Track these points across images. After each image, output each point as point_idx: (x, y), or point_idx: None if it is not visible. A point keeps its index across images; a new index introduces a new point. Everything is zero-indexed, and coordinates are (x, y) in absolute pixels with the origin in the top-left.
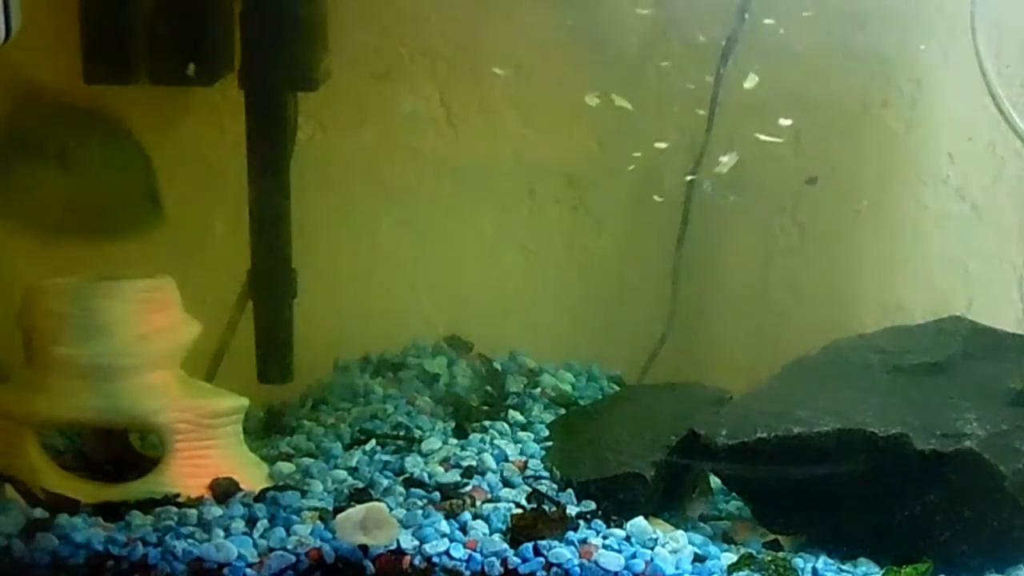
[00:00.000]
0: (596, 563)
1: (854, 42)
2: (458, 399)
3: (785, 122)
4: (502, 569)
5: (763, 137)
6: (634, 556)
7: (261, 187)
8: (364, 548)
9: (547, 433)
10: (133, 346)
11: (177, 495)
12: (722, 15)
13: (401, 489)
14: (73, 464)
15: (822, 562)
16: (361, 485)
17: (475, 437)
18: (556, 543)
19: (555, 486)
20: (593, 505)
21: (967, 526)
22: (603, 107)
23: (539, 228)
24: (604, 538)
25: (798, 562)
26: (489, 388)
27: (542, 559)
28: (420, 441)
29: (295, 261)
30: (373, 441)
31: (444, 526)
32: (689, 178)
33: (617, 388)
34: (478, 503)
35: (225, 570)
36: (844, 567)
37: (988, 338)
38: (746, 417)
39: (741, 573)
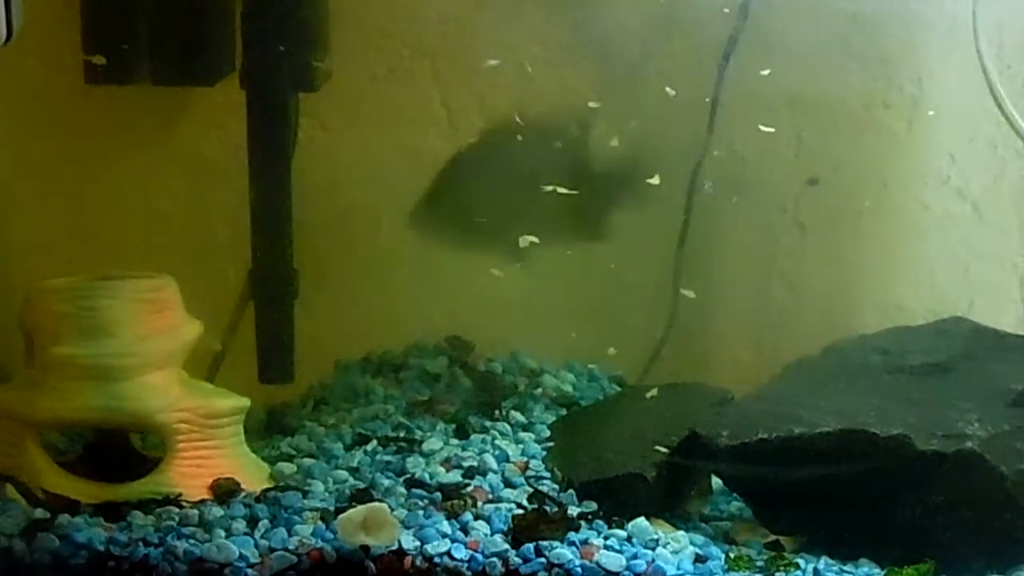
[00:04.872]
0: (597, 563)
1: (855, 42)
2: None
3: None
4: (503, 569)
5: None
6: (635, 556)
7: (262, 187)
8: (365, 549)
9: (548, 433)
10: (134, 346)
11: (178, 495)
12: (722, 15)
13: (402, 489)
14: (74, 464)
15: (823, 562)
16: (362, 485)
17: (476, 438)
18: (557, 543)
19: (556, 486)
20: (594, 505)
21: (968, 527)
22: (603, 107)
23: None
24: (605, 538)
25: (799, 562)
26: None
27: (543, 559)
28: (421, 442)
29: (295, 261)
30: (374, 441)
31: (445, 526)
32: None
33: (618, 388)
34: (479, 503)
35: (226, 570)
36: (845, 567)
37: (989, 338)
38: (747, 418)
39: (739, 573)
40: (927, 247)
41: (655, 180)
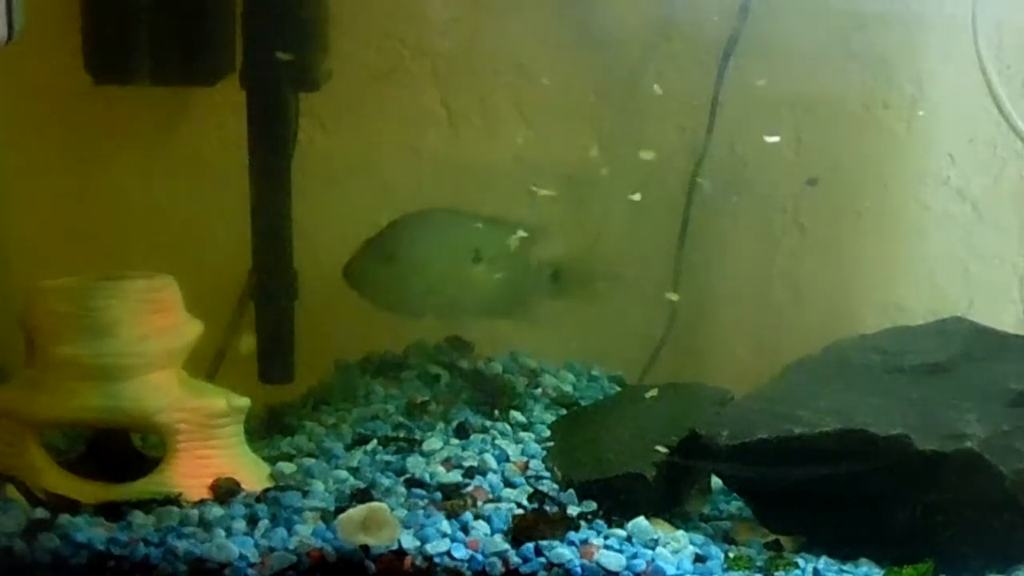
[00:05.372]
0: (597, 563)
1: (855, 43)
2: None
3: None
4: (503, 569)
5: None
6: (635, 556)
7: (262, 187)
8: (365, 548)
9: (548, 433)
10: (135, 346)
11: (179, 495)
12: (722, 15)
13: (402, 489)
14: (74, 464)
15: (823, 562)
16: (362, 485)
17: (476, 437)
18: (557, 543)
19: (556, 486)
20: (594, 505)
21: (968, 526)
22: (603, 107)
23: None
24: (605, 538)
25: (799, 562)
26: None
27: (543, 559)
28: (421, 442)
29: (295, 261)
30: (374, 441)
31: (445, 526)
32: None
33: (618, 388)
34: (479, 503)
35: (226, 570)
36: (845, 567)
37: (989, 339)
38: (747, 417)
39: (738, 573)
40: (927, 247)
41: (636, 197)
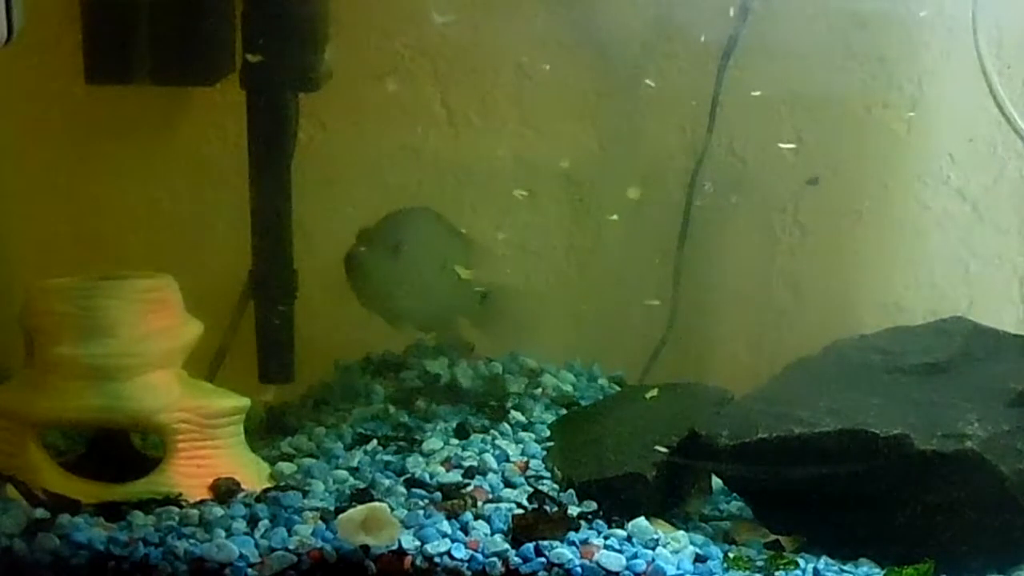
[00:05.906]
0: (597, 563)
1: (855, 42)
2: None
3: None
4: (503, 569)
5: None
6: (635, 556)
7: (262, 187)
8: (365, 548)
9: (548, 433)
10: (134, 346)
11: (178, 495)
12: (722, 15)
13: (402, 489)
14: (74, 464)
15: (823, 562)
16: (362, 485)
17: (476, 437)
18: (557, 543)
19: (556, 486)
20: (594, 505)
21: (968, 526)
22: (603, 107)
23: (539, 228)
24: (605, 538)
25: (799, 562)
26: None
27: (543, 559)
28: (421, 441)
29: (295, 261)
30: (374, 441)
31: (445, 526)
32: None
33: (618, 388)
34: (479, 503)
35: (226, 570)
36: (845, 567)
37: (989, 338)
38: (747, 417)
39: (738, 573)
40: (927, 247)
41: (615, 218)
